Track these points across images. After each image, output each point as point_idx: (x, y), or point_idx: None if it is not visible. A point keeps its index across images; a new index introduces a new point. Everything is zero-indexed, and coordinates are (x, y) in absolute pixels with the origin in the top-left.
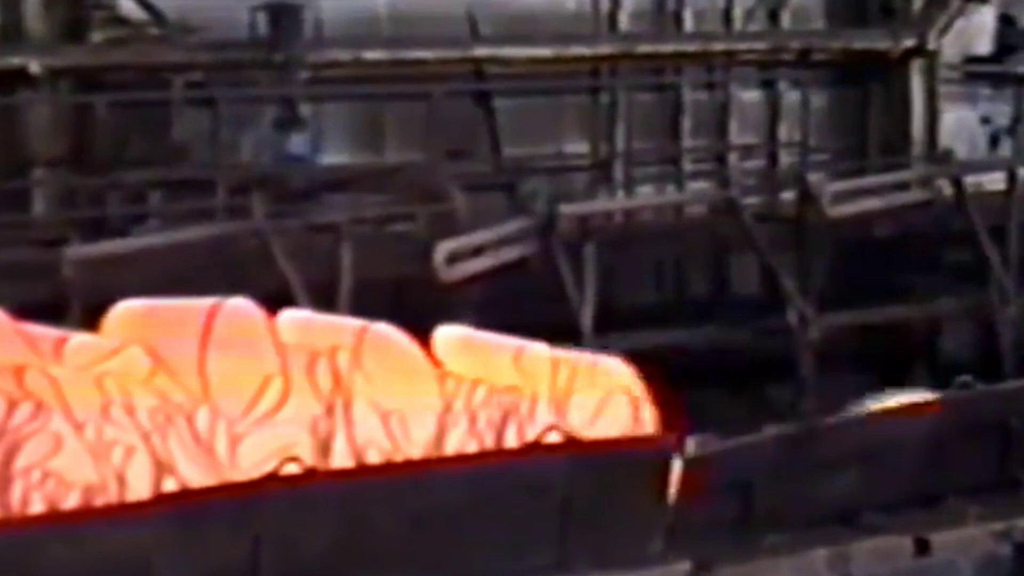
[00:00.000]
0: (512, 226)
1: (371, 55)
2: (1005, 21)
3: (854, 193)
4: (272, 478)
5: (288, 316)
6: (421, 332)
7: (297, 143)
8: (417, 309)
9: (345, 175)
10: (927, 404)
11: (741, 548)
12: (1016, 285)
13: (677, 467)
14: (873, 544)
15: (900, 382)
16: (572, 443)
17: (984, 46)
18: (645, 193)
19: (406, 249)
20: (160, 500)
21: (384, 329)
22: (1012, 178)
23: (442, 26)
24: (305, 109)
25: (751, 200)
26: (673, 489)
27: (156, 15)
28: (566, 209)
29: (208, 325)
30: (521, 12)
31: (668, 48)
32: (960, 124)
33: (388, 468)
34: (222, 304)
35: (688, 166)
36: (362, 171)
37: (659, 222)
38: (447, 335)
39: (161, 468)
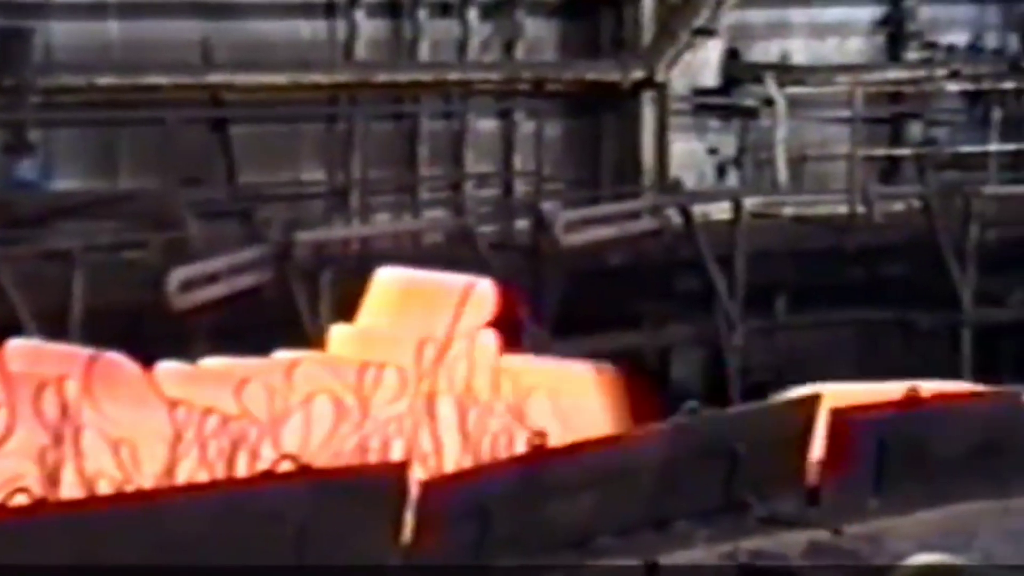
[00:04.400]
0: (248, 253)
1: (104, 80)
2: (731, 55)
3: (587, 222)
4: None
5: (15, 345)
6: (153, 360)
7: (26, 168)
8: (150, 337)
9: (77, 201)
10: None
11: (477, 574)
12: (741, 312)
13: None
14: (604, 567)
15: None
16: (305, 471)
17: (711, 79)
18: (382, 221)
19: (139, 277)
20: None
21: (115, 358)
22: (738, 208)
23: (177, 52)
24: (35, 134)
25: (486, 228)
26: (409, 515)
27: None
28: (302, 236)
29: None
30: (257, 39)
31: (404, 77)
32: (689, 154)
33: (118, 498)
34: None
35: (424, 194)
36: (94, 197)
37: (396, 250)
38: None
39: None
